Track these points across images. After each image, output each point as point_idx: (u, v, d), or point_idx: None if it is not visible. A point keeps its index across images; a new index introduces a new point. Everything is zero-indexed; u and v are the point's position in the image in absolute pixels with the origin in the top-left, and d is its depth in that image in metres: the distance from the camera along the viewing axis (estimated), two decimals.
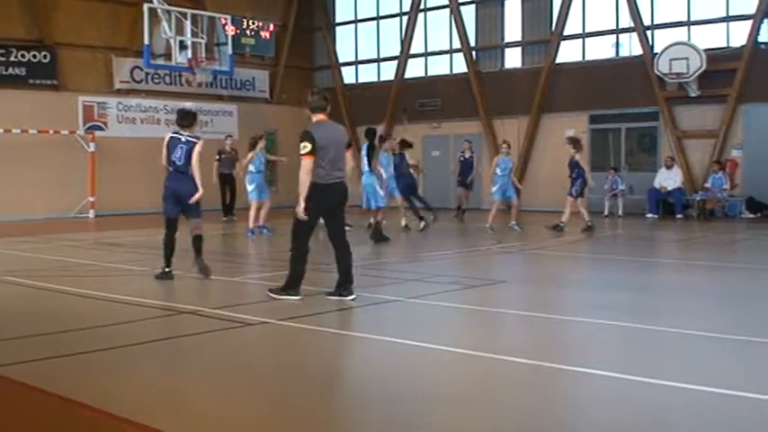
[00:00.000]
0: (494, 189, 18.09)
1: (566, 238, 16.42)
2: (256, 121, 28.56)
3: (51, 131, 23.23)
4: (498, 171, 17.91)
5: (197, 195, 10.51)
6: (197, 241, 10.74)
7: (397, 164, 17.75)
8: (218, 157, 21.67)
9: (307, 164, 8.51)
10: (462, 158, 22.24)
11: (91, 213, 23.34)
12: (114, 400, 5.30)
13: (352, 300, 8.88)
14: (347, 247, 9.13)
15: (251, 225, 16.87)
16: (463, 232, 18.07)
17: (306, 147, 8.48)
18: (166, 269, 10.70)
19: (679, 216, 21.44)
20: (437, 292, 9.64)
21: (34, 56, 23.83)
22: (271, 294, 9.00)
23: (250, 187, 16.99)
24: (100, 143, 24.16)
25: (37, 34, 23.95)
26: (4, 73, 23.24)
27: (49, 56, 24.02)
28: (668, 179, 22.07)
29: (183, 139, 10.46)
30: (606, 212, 22.46)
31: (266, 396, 5.51)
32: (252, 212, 16.96)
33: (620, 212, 22.44)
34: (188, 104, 26.83)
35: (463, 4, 26.90)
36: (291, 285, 8.96)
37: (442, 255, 14.20)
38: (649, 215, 21.87)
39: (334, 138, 8.80)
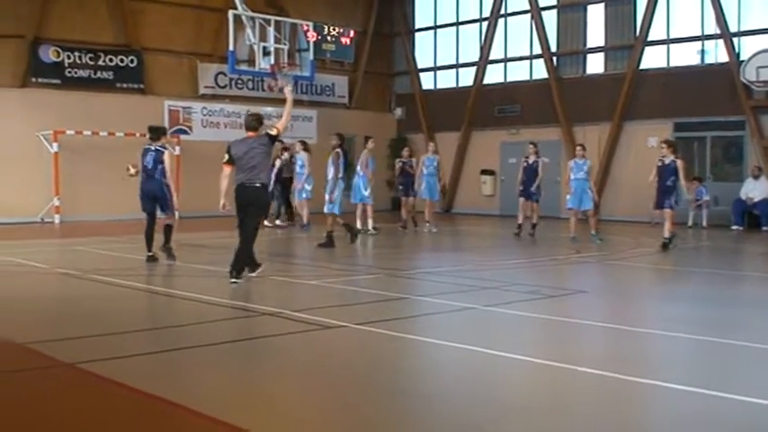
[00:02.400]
0: (568, 197, 17.74)
1: (647, 249, 16.16)
2: (335, 126, 28.80)
3: (137, 134, 23.81)
4: (571, 176, 17.50)
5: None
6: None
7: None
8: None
9: (225, 171, 10.98)
10: (526, 164, 18.85)
11: (175, 215, 23.83)
12: (195, 397, 5.46)
13: (231, 283, 10.42)
14: (245, 237, 10.83)
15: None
16: (542, 241, 17.90)
17: (224, 157, 10.90)
18: (149, 254, 12.95)
19: (765, 228, 20.85)
20: (514, 301, 9.62)
21: (122, 60, 24.55)
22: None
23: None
24: (184, 146, 24.75)
25: (124, 39, 24.67)
26: (92, 76, 24.01)
27: (135, 60, 24.72)
28: (755, 190, 21.51)
29: (153, 149, 12.95)
30: (690, 223, 21.99)
31: (341, 398, 5.60)
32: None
33: (705, 224, 21.91)
34: (269, 109, 27.43)
35: (544, 9, 26.70)
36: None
37: (521, 263, 14.15)
38: (734, 227, 21.32)
39: (246, 151, 10.84)
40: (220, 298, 9.63)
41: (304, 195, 19.64)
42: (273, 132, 10.97)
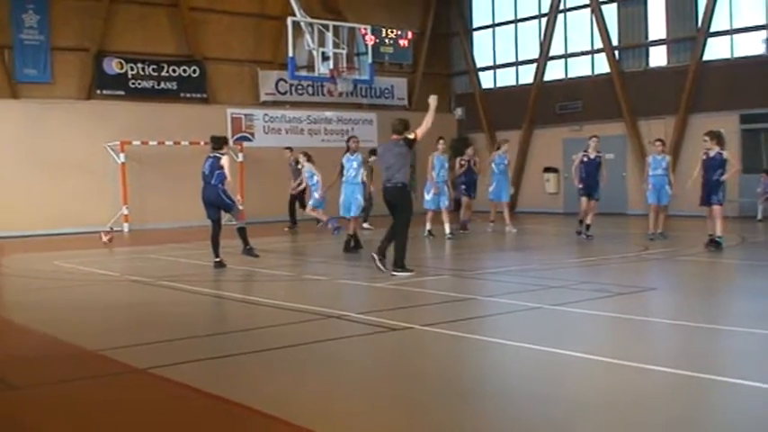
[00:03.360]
0: (647, 193, 16.95)
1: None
2: None
3: (202, 143, 24.14)
4: (650, 171, 16.83)
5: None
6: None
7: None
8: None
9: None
10: (586, 159, 17.28)
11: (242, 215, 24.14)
12: (266, 400, 5.50)
13: (378, 259, 11.55)
14: (394, 232, 11.69)
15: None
16: (609, 238, 17.63)
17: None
18: (216, 259, 13.10)
19: None
20: (582, 300, 9.50)
21: (184, 70, 24.93)
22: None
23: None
24: (247, 153, 25.03)
25: (186, 50, 25.05)
26: (156, 87, 24.44)
27: (198, 70, 25.09)
28: None
29: (211, 156, 13.39)
30: (759, 216, 21.48)
31: (408, 400, 5.59)
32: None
33: None
34: (329, 114, 27.60)
35: (604, 2, 26.34)
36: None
37: (588, 261, 13.97)
38: None
39: (386, 152, 12.06)
40: (286, 302, 9.70)
41: (312, 203, 18.73)
42: (411, 137, 11.58)
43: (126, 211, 22.91)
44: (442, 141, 18.41)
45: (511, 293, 10.05)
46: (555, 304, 9.11)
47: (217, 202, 13.27)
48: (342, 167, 15.46)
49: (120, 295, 11.19)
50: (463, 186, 19.75)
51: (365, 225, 20.95)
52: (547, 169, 28.18)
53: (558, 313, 8.74)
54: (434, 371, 6.44)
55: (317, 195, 18.17)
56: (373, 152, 21.87)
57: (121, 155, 22.89)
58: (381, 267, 11.57)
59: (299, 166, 20.43)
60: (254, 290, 11.78)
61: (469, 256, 15.46)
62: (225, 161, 13.20)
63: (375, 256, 11.68)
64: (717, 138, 14.73)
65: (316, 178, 18.07)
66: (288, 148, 22.64)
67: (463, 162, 19.80)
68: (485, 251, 16.33)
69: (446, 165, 18.23)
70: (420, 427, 5.02)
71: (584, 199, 17.19)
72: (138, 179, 23.29)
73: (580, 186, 17.31)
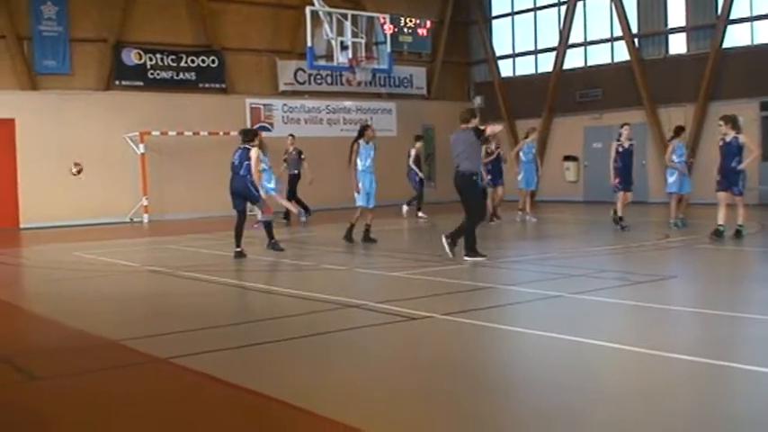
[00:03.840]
0: (671, 180, 16.47)
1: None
2: (414, 117, 28.85)
3: (221, 133, 24.26)
4: (675, 158, 16.30)
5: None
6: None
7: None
8: (285, 157, 21.26)
9: None
10: (621, 149, 16.47)
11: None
12: (286, 390, 5.50)
13: (446, 243, 12.04)
14: (467, 217, 12.03)
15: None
16: (631, 226, 17.49)
17: None
18: (237, 249, 13.16)
19: None
20: (603, 288, 9.46)
21: (203, 61, 24.98)
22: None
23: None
24: (266, 143, 24.98)
25: (205, 40, 25.10)
26: (175, 78, 24.51)
27: (217, 60, 25.13)
28: None
29: (241, 147, 13.51)
30: None
31: (429, 389, 5.57)
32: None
33: None
34: (347, 103, 27.59)
35: None
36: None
37: (609, 249, 13.90)
38: None
39: (454, 141, 12.22)
40: (305, 291, 9.71)
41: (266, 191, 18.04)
42: (481, 128, 11.92)
43: (145, 202, 23.02)
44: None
45: (531, 282, 10.02)
46: (575, 292, 9.07)
47: (244, 193, 13.39)
48: (354, 154, 15.00)
49: (141, 286, 11.25)
50: (489, 176, 18.80)
51: (420, 214, 20.80)
52: (567, 158, 28.06)
53: (578, 302, 8.70)
54: (455, 360, 6.42)
55: (269, 185, 18.02)
56: (419, 138, 21.75)
57: (141, 145, 23.00)
58: (449, 253, 11.95)
59: (303, 156, 20.50)
60: (273, 279, 11.80)
61: (489, 245, 15.40)
62: (254, 153, 13.32)
63: (445, 240, 12.10)
64: (732, 122, 14.02)
65: (264, 165, 17.67)
66: (291, 135, 22.37)
67: (491, 149, 18.88)
68: (505, 240, 16.27)
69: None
70: (442, 417, 5.01)
71: (621, 194, 16.34)
72: (157, 170, 23.39)
73: (617, 181, 16.39)
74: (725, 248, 13.41)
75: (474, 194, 12.17)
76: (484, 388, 5.60)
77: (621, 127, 16.81)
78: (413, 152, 21.14)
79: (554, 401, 5.21)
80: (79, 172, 18.20)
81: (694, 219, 17.28)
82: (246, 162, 13.28)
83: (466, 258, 11.84)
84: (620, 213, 16.21)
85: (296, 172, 21.02)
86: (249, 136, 13.85)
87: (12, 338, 7.88)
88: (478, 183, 12.46)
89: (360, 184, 14.74)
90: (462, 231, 12.08)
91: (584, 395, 5.34)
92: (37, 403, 5.54)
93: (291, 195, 21.10)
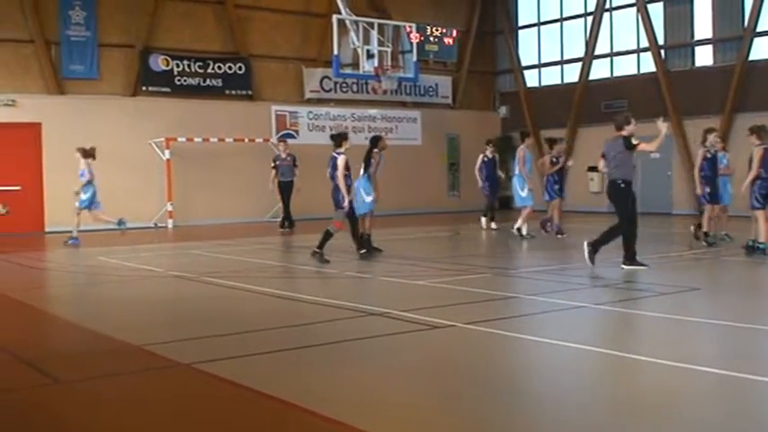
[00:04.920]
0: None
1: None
2: (439, 126, 28.87)
3: (246, 140, 24.37)
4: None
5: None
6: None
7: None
8: (273, 164, 21.23)
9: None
10: (709, 155, 15.28)
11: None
12: (308, 397, 5.50)
13: (587, 247, 11.91)
14: (615, 225, 12.09)
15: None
16: (654, 238, 17.37)
17: None
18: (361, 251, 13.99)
19: None
20: (625, 299, 9.41)
21: (230, 67, 25.09)
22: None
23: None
24: (292, 150, 25.08)
25: (232, 47, 25.23)
26: (202, 84, 24.63)
27: (243, 67, 25.24)
28: None
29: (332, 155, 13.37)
30: None
31: (450, 398, 5.56)
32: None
33: None
34: (373, 111, 27.63)
35: (650, 1, 26.03)
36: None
37: None
38: None
39: (608, 149, 12.29)
40: (328, 299, 9.72)
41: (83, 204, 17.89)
42: (634, 142, 11.81)
43: (170, 208, 23.14)
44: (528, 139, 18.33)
45: (554, 292, 9.97)
46: (598, 303, 9.02)
47: (334, 199, 13.52)
48: (370, 164, 14.99)
49: (164, 291, 11.29)
50: (557, 186, 17.98)
51: (492, 225, 19.91)
52: (591, 168, 27.90)
53: (601, 312, 8.66)
54: (478, 369, 6.40)
55: (83, 197, 17.57)
56: (489, 142, 21.16)
57: (167, 151, 23.13)
58: (588, 260, 11.83)
59: (297, 164, 20.49)
60: (296, 286, 11.82)
61: (512, 255, 15.37)
62: (340, 162, 13.32)
63: (586, 247, 11.98)
64: (758, 132, 13.80)
65: (84, 179, 17.40)
66: (283, 140, 22.38)
67: (555, 159, 17.99)
68: (528, 249, 16.21)
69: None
70: (462, 426, 4.99)
71: (709, 207, 15.15)
72: (182, 176, 23.51)
73: (707, 190, 15.06)
74: (749, 261, 13.25)
75: (623, 203, 11.95)
76: (505, 398, 5.57)
77: (708, 132, 15.60)
78: (483, 157, 20.20)
79: (577, 413, 5.18)
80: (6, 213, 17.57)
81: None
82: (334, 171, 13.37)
83: (623, 267, 11.78)
84: (705, 228, 15.14)
85: (290, 179, 21.03)
86: (336, 140, 13.71)
87: (36, 342, 7.94)
88: (629, 190, 12.03)
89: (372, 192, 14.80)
90: (606, 240, 12.00)
91: (608, 407, 5.30)
92: (60, 406, 5.58)
93: (285, 204, 21.12)
